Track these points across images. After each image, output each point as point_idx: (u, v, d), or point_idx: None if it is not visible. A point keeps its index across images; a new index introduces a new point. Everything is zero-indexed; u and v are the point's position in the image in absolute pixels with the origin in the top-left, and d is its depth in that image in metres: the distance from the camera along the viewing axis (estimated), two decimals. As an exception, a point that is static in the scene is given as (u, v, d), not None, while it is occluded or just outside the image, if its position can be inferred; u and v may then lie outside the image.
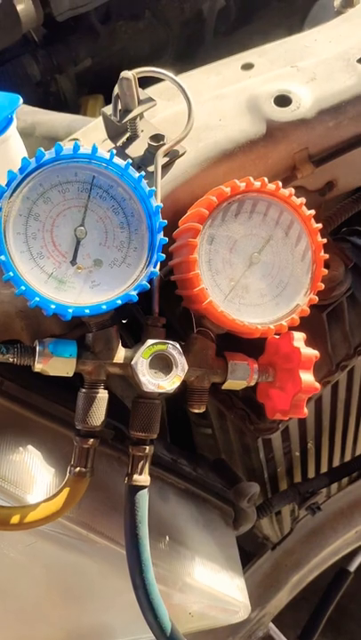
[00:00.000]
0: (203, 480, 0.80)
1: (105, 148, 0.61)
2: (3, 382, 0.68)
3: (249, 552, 0.87)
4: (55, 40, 1.10)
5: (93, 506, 0.65)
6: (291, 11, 1.38)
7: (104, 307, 0.57)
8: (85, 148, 0.57)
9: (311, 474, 1.07)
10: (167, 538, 0.70)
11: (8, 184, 0.55)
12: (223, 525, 0.79)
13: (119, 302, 0.57)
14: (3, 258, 0.54)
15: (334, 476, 1.00)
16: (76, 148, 0.56)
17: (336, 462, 1.10)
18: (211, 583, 0.70)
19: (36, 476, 0.64)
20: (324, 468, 1.09)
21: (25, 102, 0.75)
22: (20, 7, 0.95)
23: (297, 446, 0.97)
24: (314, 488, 0.96)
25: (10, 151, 0.78)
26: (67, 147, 0.56)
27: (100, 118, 0.79)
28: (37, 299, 0.55)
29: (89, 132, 0.78)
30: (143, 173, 0.59)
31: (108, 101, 1.18)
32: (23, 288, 0.54)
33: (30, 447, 0.66)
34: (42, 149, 0.56)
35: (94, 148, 0.57)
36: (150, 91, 0.74)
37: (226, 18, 1.27)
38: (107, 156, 0.57)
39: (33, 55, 1.07)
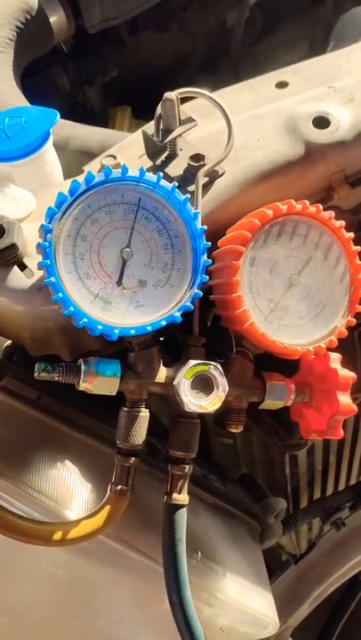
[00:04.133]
0: (231, 495, 0.80)
1: (141, 165, 0.61)
2: (40, 397, 0.68)
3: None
4: (84, 51, 1.11)
5: (128, 522, 0.65)
6: (313, 22, 1.39)
7: (149, 327, 0.57)
8: (133, 171, 0.57)
9: (330, 486, 1.08)
10: (199, 553, 0.70)
11: (58, 206, 0.55)
12: (251, 541, 0.80)
13: (164, 323, 0.58)
14: (53, 280, 0.54)
15: (359, 491, 1.01)
16: (125, 170, 0.57)
17: (355, 474, 1.11)
18: (242, 599, 0.71)
19: (74, 491, 0.65)
20: (343, 480, 1.10)
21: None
22: (53, 19, 0.96)
23: (320, 460, 0.98)
24: (338, 503, 0.96)
25: (46, 165, 0.79)
26: (115, 170, 0.57)
27: (135, 134, 0.80)
28: (85, 319, 0.55)
29: (124, 149, 0.78)
30: (188, 196, 0.59)
31: (135, 112, 1.19)
32: (72, 309, 0.55)
33: (68, 463, 0.66)
34: (91, 172, 0.56)
35: (142, 171, 0.57)
36: (185, 107, 0.75)
37: (252, 29, 1.28)
38: (154, 178, 0.58)
39: (63, 67, 1.08)
